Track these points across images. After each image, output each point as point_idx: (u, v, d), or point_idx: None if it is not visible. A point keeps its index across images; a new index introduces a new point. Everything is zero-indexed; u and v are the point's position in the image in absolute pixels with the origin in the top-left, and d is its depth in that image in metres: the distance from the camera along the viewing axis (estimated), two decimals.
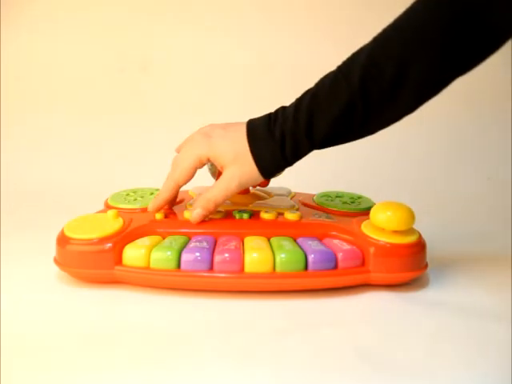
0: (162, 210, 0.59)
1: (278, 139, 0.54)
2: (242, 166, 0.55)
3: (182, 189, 0.68)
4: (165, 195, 0.59)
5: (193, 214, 0.57)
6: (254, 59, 1.01)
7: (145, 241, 0.56)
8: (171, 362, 0.44)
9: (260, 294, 0.54)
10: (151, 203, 0.59)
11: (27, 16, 1.00)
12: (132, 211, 0.61)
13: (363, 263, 0.55)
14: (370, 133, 0.55)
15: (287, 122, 0.54)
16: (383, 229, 0.56)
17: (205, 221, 0.58)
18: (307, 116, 0.53)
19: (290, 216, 0.59)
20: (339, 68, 0.55)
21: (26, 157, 0.95)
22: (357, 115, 0.53)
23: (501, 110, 0.96)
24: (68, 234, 0.56)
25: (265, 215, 0.59)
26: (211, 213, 0.57)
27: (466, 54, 0.51)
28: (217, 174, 0.61)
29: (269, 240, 0.57)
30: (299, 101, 0.55)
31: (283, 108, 0.56)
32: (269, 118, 0.56)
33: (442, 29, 0.50)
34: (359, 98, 0.52)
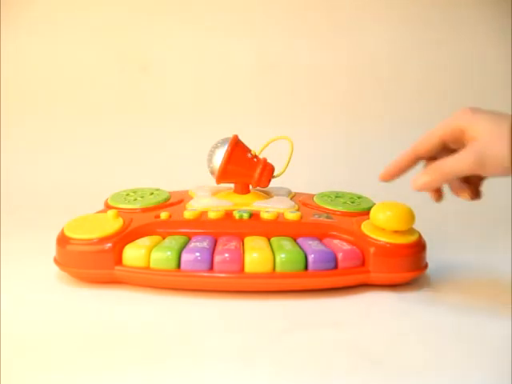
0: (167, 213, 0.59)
1: None
2: (493, 142, 0.46)
3: (181, 189, 0.68)
4: (399, 163, 0.51)
5: (416, 179, 0.49)
6: (254, 59, 1.01)
7: (145, 241, 0.56)
8: (171, 362, 0.44)
9: (260, 294, 0.54)
10: (383, 172, 0.52)
11: (27, 16, 1.00)
12: (132, 211, 0.61)
13: (363, 263, 0.55)
14: None
15: None
16: (383, 229, 0.56)
17: (205, 221, 0.58)
18: None
19: (290, 216, 0.59)
20: None
21: (26, 157, 0.95)
22: None
23: (501, 109, 0.96)
24: (68, 234, 0.56)
25: (265, 215, 0.59)
26: (437, 183, 0.49)
27: None
28: (217, 174, 0.61)
29: (269, 240, 0.57)
30: None
31: None
32: None
33: None
34: None
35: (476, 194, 0.52)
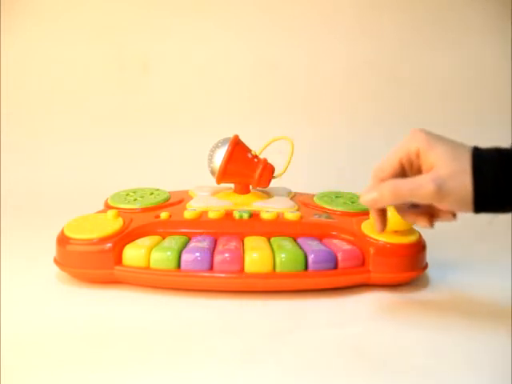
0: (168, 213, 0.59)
1: (505, 159, 0.44)
2: (455, 174, 0.44)
3: (181, 189, 0.68)
4: (368, 191, 0.48)
5: (365, 193, 0.47)
6: (255, 59, 1.01)
7: (145, 241, 0.56)
8: (171, 362, 0.44)
9: (260, 294, 0.54)
10: (362, 198, 0.48)
11: (27, 16, 1.00)
12: (132, 211, 0.61)
13: (363, 263, 0.55)
14: None
15: None
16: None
17: (205, 221, 0.58)
18: None
19: (290, 216, 0.59)
20: None
21: (26, 157, 0.94)
22: None
23: (501, 109, 0.96)
24: (68, 233, 0.56)
25: (265, 215, 0.59)
26: (387, 202, 0.47)
27: None
28: (217, 174, 0.61)
29: (269, 240, 0.57)
30: None
31: None
32: (505, 153, 0.45)
33: None
34: None
35: (431, 221, 0.49)
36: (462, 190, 0.44)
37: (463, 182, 0.44)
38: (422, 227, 0.50)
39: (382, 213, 0.51)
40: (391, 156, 0.48)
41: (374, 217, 0.51)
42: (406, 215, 0.50)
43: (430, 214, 0.49)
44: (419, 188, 0.45)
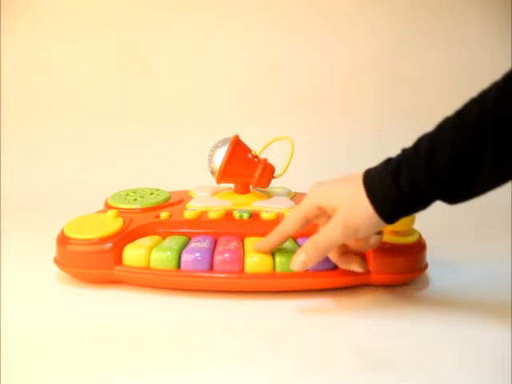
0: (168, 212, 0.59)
1: (391, 169, 0.47)
2: (352, 206, 0.47)
3: (181, 189, 0.68)
4: (271, 241, 0.53)
5: (294, 260, 0.51)
6: (255, 59, 1.01)
7: (145, 241, 0.56)
8: (171, 362, 0.44)
9: (260, 294, 0.54)
10: (258, 244, 0.54)
11: (27, 16, 1.00)
12: (132, 211, 0.61)
13: None
14: (504, 174, 0.45)
15: (404, 152, 0.48)
16: (383, 229, 0.56)
17: (205, 221, 0.58)
18: (427, 143, 0.46)
19: None
20: (470, 100, 0.47)
21: (26, 157, 0.95)
22: (487, 144, 0.44)
23: None
24: (68, 233, 0.56)
25: (265, 215, 0.59)
26: (315, 259, 0.50)
27: None
28: (216, 173, 0.61)
29: None
30: (421, 137, 0.47)
31: (402, 149, 0.49)
32: (388, 159, 0.49)
33: None
34: (491, 122, 0.44)
35: (363, 263, 0.53)
36: (367, 215, 0.47)
37: (363, 208, 0.47)
38: (356, 271, 0.53)
39: (347, 256, 0.53)
40: (295, 215, 0.52)
41: (346, 266, 0.53)
42: (341, 263, 0.53)
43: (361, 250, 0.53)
44: (332, 234, 0.48)
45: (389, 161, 0.48)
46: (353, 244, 0.52)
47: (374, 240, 0.51)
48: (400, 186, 0.46)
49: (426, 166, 0.45)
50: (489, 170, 0.44)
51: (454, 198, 0.47)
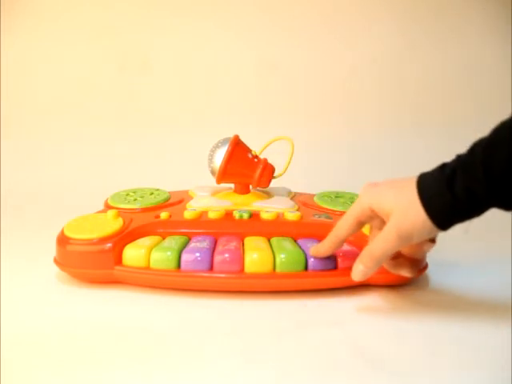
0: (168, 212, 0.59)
1: (447, 174, 0.46)
2: (406, 213, 0.47)
3: (181, 189, 0.68)
4: (325, 247, 0.53)
5: (354, 270, 0.51)
6: (255, 59, 1.01)
7: (145, 241, 0.56)
8: (171, 362, 0.44)
9: (260, 294, 0.54)
10: (313, 250, 0.54)
11: (27, 16, 1.00)
12: (132, 211, 0.61)
13: None
14: None
15: (460, 157, 0.47)
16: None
17: (205, 221, 0.58)
18: (484, 148, 0.45)
19: (290, 216, 0.59)
20: None
21: (26, 157, 0.95)
22: None
23: (501, 109, 0.96)
24: (68, 233, 0.56)
25: (265, 215, 0.59)
26: (373, 269, 0.50)
27: None
28: (216, 173, 0.61)
29: (269, 240, 0.57)
30: (476, 142, 0.47)
31: (457, 155, 0.48)
32: (443, 165, 0.48)
33: None
34: None
35: (413, 269, 0.53)
36: (421, 222, 0.47)
37: (417, 215, 0.47)
38: (405, 276, 0.53)
39: (396, 262, 0.53)
40: (348, 217, 0.52)
41: (396, 271, 0.53)
42: (391, 268, 0.53)
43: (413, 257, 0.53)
44: (386, 243, 0.48)
45: (444, 166, 0.47)
46: (406, 250, 0.52)
47: (427, 246, 0.52)
48: (455, 191, 0.46)
49: (483, 172, 0.44)
50: None
51: (510, 204, 0.46)
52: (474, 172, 0.45)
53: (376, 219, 0.51)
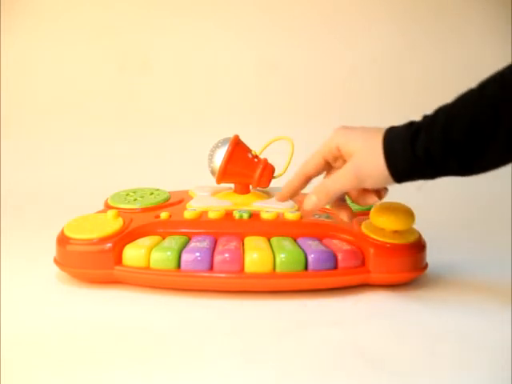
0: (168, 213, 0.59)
1: (411, 132, 0.48)
2: (367, 157, 0.49)
3: (181, 189, 0.68)
4: (291, 184, 0.54)
5: (306, 201, 0.52)
6: (255, 60, 1.01)
7: (145, 241, 0.56)
8: (171, 362, 0.44)
9: (260, 294, 0.54)
10: (279, 193, 0.55)
11: (27, 16, 1.00)
12: (132, 211, 0.61)
13: (363, 263, 0.55)
14: None
15: (425, 118, 0.49)
16: (383, 229, 0.56)
17: (205, 221, 0.58)
18: (446, 112, 0.47)
19: (290, 216, 0.59)
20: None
21: (26, 157, 0.95)
22: (503, 118, 0.45)
23: None
24: (68, 233, 0.56)
25: (265, 215, 0.59)
26: (325, 202, 0.52)
27: None
28: (216, 173, 0.61)
29: (269, 240, 0.57)
30: (441, 106, 0.49)
31: (424, 115, 0.50)
32: (411, 122, 0.50)
33: None
34: (509, 97, 0.45)
35: (352, 216, 0.55)
36: (378, 169, 0.48)
37: (377, 161, 0.48)
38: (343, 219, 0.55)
39: (343, 204, 0.55)
40: (315, 155, 0.53)
41: (338, 211, 0.55)
42: (336, 209, 0.55)
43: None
44: (343, 180, 0.50)
45: (412, 124, 0.49)
46: (353, 194, 0.54)
47: (371, 200, 0.53)
48: (415, 149, 0.47)
49: (442, 134, 0.46)
50: (502, 143, 0.45)
51: (465, 168, 0.47)
52: (434, 135, 0.47)
53: (339, 160, 0.52)
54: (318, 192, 0.52)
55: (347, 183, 0.50)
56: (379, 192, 0.53)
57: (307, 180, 0.54)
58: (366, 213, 0.60)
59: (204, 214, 0.59)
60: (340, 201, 0.55)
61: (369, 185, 0.50)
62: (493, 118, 0.45)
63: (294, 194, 0.55)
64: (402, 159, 0.48)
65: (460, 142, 0.46)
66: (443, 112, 0.48)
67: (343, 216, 0.54)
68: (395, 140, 0.49)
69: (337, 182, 0.51)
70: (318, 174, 0.54)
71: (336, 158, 0.52)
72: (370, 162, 0.49)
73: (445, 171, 0.48)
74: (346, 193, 0.54)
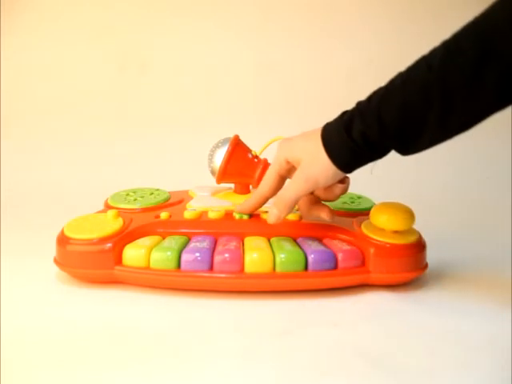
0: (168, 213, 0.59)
1: (345, 120, 0.50)
2: (312, 159, 0.51)
3: (181, 189, 0.68)
4: (250, 204, 0.58)
5: (269, 215, 0.55)
6: (255, 60, 1.01)
7: (145, 241, 0.56)
8: (171, 362, 0.44)
9: (260, 294, 0.54)
10: (238, 206, 0.59)
11: (27, 16, 1.00)
12: (132, 211, 0.61)
13: (363, 263, 0.55)
14: (447, 131, 0.47)
15: (359, 104, 0.50)
16: (383, 229, 0.56)
17: (205, 221, 0.58)
18: (379, 96, 0.49)
19: (290, 216, 0.59)
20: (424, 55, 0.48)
21: (26, 157, 0.95)
22: (432, 101, 0.45)
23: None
24: (68, 233, 0.56)
25: (265, 215, 0.59)
26: (286, 212, 0.54)
27: None
28: (216, 173, 0.61)
29: (269, 240, 0.57)
30: (375, 90, 0.50)
31: (358, 102, 0.51)
32: (343, 112, 0.52)
33: None
34: (437, 80, 0.45)
35: (331, 212, 0.56)
36: (325, 166, 0.50)
37: (322, 159, 0.50)
38: (324, 220, 0.56)
39: (317, 205, 0.56)
40: (269, 174, 0.55)
41: (316, 214, 0.56)
42: (309, 213, 0.57)
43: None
44: (296, 187, 0.52)
45: (344, 113, 0.51)
46: (320, 194, 0.55)
47: (338, 190, 0.54)
48: (352, 136, 0.49)
49: (376, 118, 0.48)
50: (433, 126, 0.46)
51: (403, 149, 0.49)
52: (368, 118, 0.48)
53: (293, 171, 0.53)
54: (277, 204, 0.54)
55: (300, 188, 0.52)
56: (341, 180, 0.54)
57: (265, 200, 0.57)
58: (366, 213, 0.60)
59: (204, 214, 0.59)
60: (312, 204, 0.56)
61: (322, 184, 0.52)
62: (422, 103, 0.46)
63: (252, 212, 0.58)
64: (342, 149, 0.49)
65: (393, 125, 0.47)
66: (377, 96, 0.49)
67: (323, 215, 0.56)
68: (332, 133, 0.50)
69: (290, 191, 0.53)
70: (275, 192, 0.55)
71: (289, 171, 0.54)
72: (316, 162, 0.50)
73: (387, 151, 0.50)
74: (314, 195, 0.55)
